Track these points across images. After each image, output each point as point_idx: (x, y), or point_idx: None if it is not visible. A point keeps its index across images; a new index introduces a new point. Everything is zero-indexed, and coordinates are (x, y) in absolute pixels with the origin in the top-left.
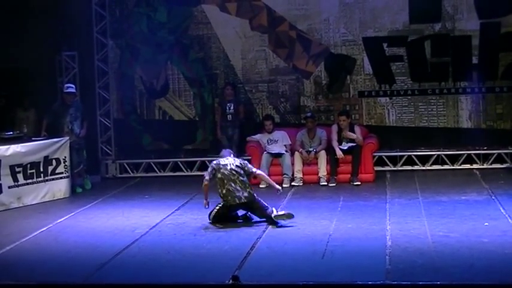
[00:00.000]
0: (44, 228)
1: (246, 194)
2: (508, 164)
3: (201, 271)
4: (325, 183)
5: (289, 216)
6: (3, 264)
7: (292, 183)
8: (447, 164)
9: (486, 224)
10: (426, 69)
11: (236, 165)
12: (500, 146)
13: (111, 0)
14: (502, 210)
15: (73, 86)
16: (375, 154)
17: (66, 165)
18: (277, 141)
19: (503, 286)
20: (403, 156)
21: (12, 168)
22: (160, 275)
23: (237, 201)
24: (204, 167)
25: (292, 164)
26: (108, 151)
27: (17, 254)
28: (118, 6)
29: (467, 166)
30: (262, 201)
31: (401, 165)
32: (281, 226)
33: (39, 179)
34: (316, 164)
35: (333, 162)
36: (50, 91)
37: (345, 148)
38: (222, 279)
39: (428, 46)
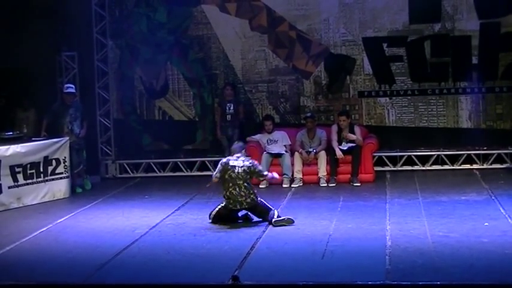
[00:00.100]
0: (44, 229)
1: (248, 200)
2: (508, 164)
3: (201, 271)
4: (325, 184)
5: (289, 221)
6: (3, 264)
7: (292, 185)
8: (447, 164)
9: (486, 224)
10: (426, 70)
11: (244, 170)
12: (500, 146)
13: (111, 0)
14: (502, 210)
15: (73, 86)
16: (375, 154)
17: (66, 165)
18: (277, 142)
19: (503, 286)
20: (403, 156)
21: (12, 168)
22: (160, 275)
23: (239, 207)
24: (204, 167)
25: (292, 165)
26: (108, 151)
27: (17, 254)
28: (118, 6)
29: (467, 166)
30: (265, 203)
31: (401, 166)
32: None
33: (39, 179)
34: (316, 164)
35: (333, 162)
36: (49, 91)
37: (345, 148)
38: (222, 279)
39: (428, 46)
